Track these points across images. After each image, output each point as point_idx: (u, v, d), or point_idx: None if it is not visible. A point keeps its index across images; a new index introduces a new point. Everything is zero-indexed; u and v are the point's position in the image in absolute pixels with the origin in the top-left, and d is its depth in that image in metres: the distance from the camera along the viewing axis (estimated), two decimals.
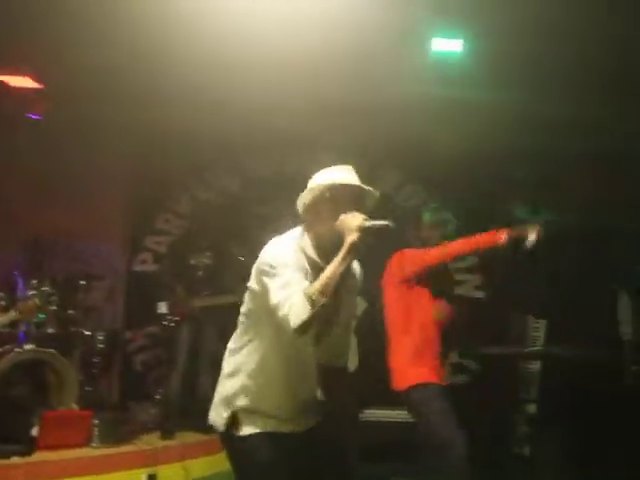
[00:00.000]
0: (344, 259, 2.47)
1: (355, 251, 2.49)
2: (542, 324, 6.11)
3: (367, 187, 2.67)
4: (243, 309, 2.77)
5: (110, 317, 6.91)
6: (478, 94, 5.11)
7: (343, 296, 2.54)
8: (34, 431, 4.83)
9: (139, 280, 7.11)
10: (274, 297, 2.49)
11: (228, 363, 2.79)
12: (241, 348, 2.74)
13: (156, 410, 5.96)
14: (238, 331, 2.78)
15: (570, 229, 6.51)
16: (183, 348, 5.89)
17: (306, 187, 2.69)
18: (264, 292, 2.57)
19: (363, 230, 2.48)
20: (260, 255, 2.66)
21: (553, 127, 5.92)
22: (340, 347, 2.81)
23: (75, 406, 5.27)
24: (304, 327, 2.42)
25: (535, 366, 6.07)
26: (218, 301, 5.81)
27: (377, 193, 2.69)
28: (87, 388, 5.85)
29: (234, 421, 2.69)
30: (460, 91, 5.01)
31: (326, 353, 2.72)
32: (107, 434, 5.14)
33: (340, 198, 2.62)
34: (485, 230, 4.07)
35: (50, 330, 5.76)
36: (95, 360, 6.13)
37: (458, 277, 6.82)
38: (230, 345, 2.81)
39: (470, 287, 6.90)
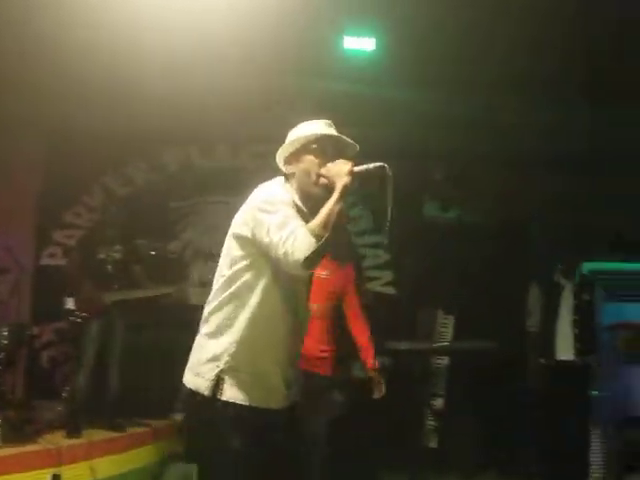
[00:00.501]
0: (338, 201, 2.48)
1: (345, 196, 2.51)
2: (450, 319, 6.25)
3: (349, 140, 2.72)
4: (224, 261, 2.66)
5: (16, 312, 6.70)
6: (389, 92, 5.17)
7: None
8: None
9: (47, 274, 6.92)
10: (274, 234, 2.44)
11: (209, 323, 2.64)
12: (224, 305, 2.61)
13: (62, 408, 5.80)
14: (217, 288, 2.65)
15: (479, 226, 6.69)
16: (91, 344, 5.76)
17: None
18: (258, 234, 2.52)
19: (354, 174, 2.52)
20: (252, 197, 2.64)
21: (464, 126, 6.04)
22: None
23: None
24: (310, 261, 2.39)
25: (444, 361, 6.20)
26: (129, 295, 5.71)
27: (357, 146, 2.73)
28: None
29: (218, 383, 2.55)
30: (371, 89, 5.05)
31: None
32: (11, 433, 4.98)
33: (325, 149, 2.67)
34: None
35: None
36: None
37: (370, 274, 6.91)
38: (209, 306, 2.67)
39: (381, 283, 6.99)
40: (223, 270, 2.64)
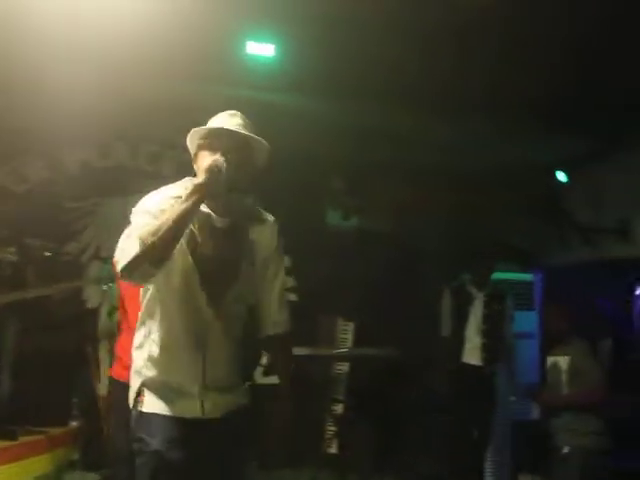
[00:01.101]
0: (185, 200, 2.36)
1: (201, 193, 2.38)
2: (350, 326, 6.31)
3: (247, 132, 2.56)
4: None
5: None
6: (290, 99, 5.17)
7: (241, 264, 2.57)
8: None
9: None
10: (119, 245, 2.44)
11: (137, 336, 2.62)
12: (143, 318, 2.59)
13: None
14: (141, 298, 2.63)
15: (379, 234, 6.79)
16: None
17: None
18: None
19: (211, 171, 2.39)
20: None
21: (363, 135, 6.10)
22: (234, 322, 2.64)
23: None
24: (129, 268, 2.32)
25: (344, 367, 6.25)
26: (20, 296, 5.51)
27: (264, 142, 2.58)
28: None
29: (138, 394, 2.55)
30: (272, 96, 5.04)
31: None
32: None
33: (217, 145, 2.52)
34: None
35: None
36: None
37: None
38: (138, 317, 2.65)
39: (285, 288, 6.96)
40: None
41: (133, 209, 2.52)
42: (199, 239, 2.53)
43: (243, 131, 2.54)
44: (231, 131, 2.53)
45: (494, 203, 6.65)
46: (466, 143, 6.22)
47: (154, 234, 2.30)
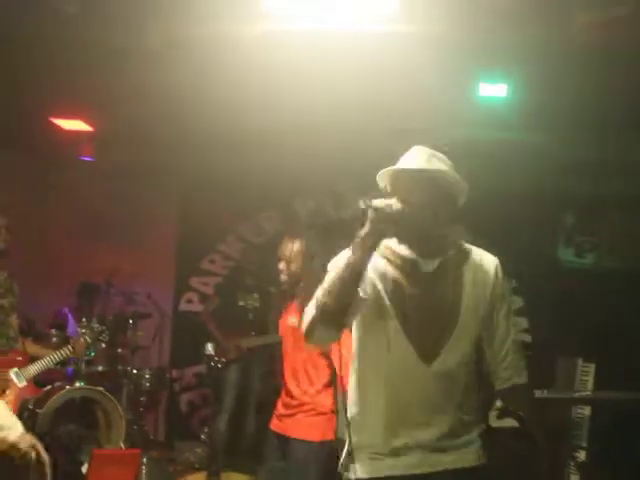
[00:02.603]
0: (355, 250, 2.16)
1: (364, 243, 2.15)
2: (592, 367, 6.01)
3: (429, 168, 2.30)
4: None
5: (157, 356, 7.00)
6: (524, 137, 5.15)
7: (459, 309, 2.30)
8: (84, 469, 4.89)
9: (185, 319, 7.20)
10: None
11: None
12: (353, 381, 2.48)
13: (202, 450, 5.98)
14: None
15: (614, 270, 6.45)
16: (230, 388, 5.93)
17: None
18: None
19: (365, 213, 2.15)
20: None
21: (597, 170, 5.92)
22: (453, 380, 2.35)
23: (122, 445, 5.32)
24: (307, 332, 2.23)
25: (585, 411, 5.95)
26: (264, 341, 5.85)
27: (451, 177, 2.32)
28: (134, 427, 5.92)
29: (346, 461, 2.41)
30: (506, 134, 5.05)
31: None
32: (154, 473, 5.19)
33: (398, 187, 2.33)
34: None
35: (99, 368, 5.88)
36: (142, 399, 6.20)
37: None
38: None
39: (517, 330, 6.81)
40: None
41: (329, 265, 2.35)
42: (405, 290, 2.32)
43: (425, 166, 2.31)
44: (407, 170, 2.33)
45: None
46: None
47: (326, 293, 2.17)
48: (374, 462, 2.36)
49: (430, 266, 2.34)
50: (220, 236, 7.47)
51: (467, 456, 2.37)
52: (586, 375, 5.97)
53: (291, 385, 4.03)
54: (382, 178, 2.38)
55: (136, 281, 6.94)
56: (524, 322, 6.81)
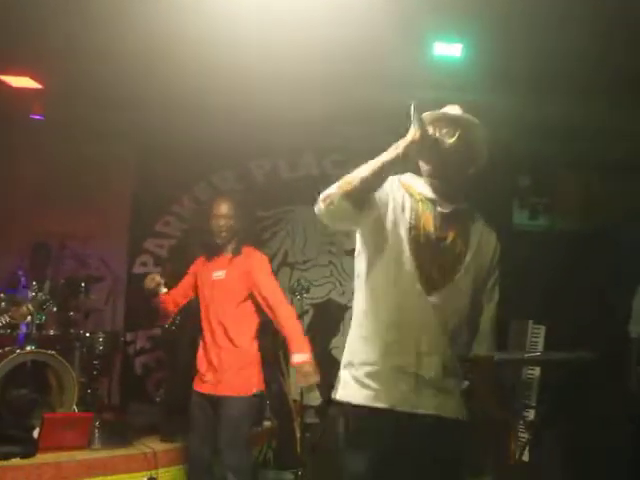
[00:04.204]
0: (390, 152, 2.33)
1: (407, 153, 2.30)
2: (542, 329, 6.10)
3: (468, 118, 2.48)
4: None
5: (110, 319, 6.92)
6: (478, 98, 5.13)
7: (465, 257, 2.45)
8: (35, 433, 4.83)
9: (139, 282, 7.11)
10: None
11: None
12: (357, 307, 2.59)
13: (156, 412, 5.96)
14: None
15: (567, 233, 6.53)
16: (183, 350, 5.89)
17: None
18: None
19: (423, 132, 2.28)
20: None
21: (550, 132, 5.95)
22: (452, 317, 2.47)
23: (75, 408, 5.27)
24: (329, 204, 2.33)
25: (535, 372, 6.06)
26: None
27: (483, 135, 2.52)
28: (87, 390, 5.86)
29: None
30: (460, 95, 5.03)
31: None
32: (108, 436, 5.15)
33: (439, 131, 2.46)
34: None
35: (51, 332, 5.79)
36: (95, 362, 6.13)
37: None
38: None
39: None
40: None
41: None
42: (420, 223, 2.46)
43: (465, 115, 2.48)
44: (449, 115, 2.46)
45: None
46: None
47: (354, 176, 2.32)
48: (363, 389, 2.44)
49: (446, 209, 2.48)
50: (175, 197, 7.38)
51: (449, 404, 2.46)
52: (537, 337, 6.08)
53: (219, 340, 4.16)
54: (422, 121, 2.39)
55: (90, 243, 6.81)
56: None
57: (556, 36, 4.64)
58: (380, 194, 2.42)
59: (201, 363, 4.27)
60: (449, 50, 4.68)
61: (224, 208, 4.27)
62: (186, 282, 4.52)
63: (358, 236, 2.55)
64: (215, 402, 4.14)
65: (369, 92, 5.32)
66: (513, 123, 5.75)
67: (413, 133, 2.29)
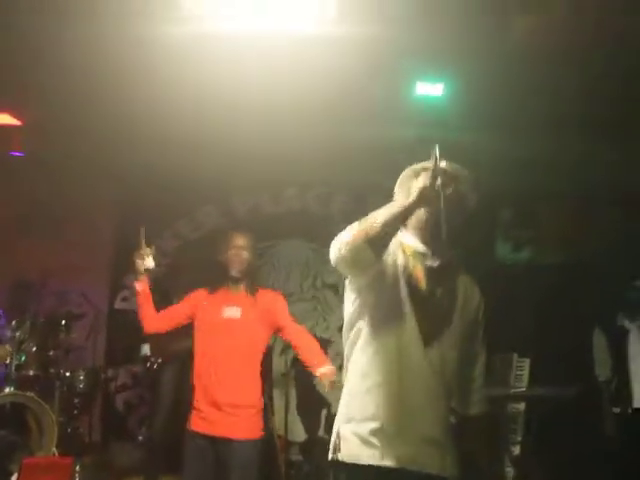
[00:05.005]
0: (409, 196, 2.34)
1: (422, 198, 2.28)
2: (526, 362, 6.11)
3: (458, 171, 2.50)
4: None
5: (91, 356, 6.82)
6: (460, 135, 5.18)
7: (455, 308, 2.47)
8: (13, 478, 4.75)
9: (121, 318, 7.05)
10: None
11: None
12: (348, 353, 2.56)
13: (139, 452, 5.87)
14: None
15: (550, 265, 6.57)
16: (166, 389, 5.83)
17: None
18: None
19: (432, 182, 2.25)
20: None
21: (530, 168, 6.01)
22: (446, 370, 2.46)
23: (55, 450, 5.19)
24: (352, 246, 2.28)
25: (520, 406, 6.05)
26: None
27: (474, 186, 2.55)
28: (68, 430, 5.77)
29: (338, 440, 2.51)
30: (442, 133, 5.07)
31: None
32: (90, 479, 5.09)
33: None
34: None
35: (30, 372, 5.70)
36: (76, 400, 6.05)
37: None
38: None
39: None
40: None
41: None
42: (415, 276, 2.47)
43: (459, 168, 2.50)
44: (445, 167, 2.40)
45: None
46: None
47: (374, 220, 2.29)
48: (368, 448, 2.38)
49: (435, 262, 2.49)
50: (157, 232, 7.32)
51: (450, 460, 2.44)
52: (521, 369, 6.08)
53: (224, 382, 3.97)
54: (412, 170, 2.51)
55: (71, 279, 6.75)
56: None
57: (533, 74, 4.71)
58: None
59: (201, 401, 4.01)
60: (431, 89, 4.70)
61: (243, 240, 4.14)
62: (179, 308, 4.29)
63: (353, 286, 2.51)
64: (221, 444, 3.92)
65: (353, 129, 5.34)
66: (494, 158, 5.78)
67: (432, 177, 2.26)
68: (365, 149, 5.48)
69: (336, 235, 2.38)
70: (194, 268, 6.39)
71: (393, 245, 2.46)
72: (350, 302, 2.53)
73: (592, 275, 6.59)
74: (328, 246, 2.40)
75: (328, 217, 7.04)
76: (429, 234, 2.48)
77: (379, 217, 2.30)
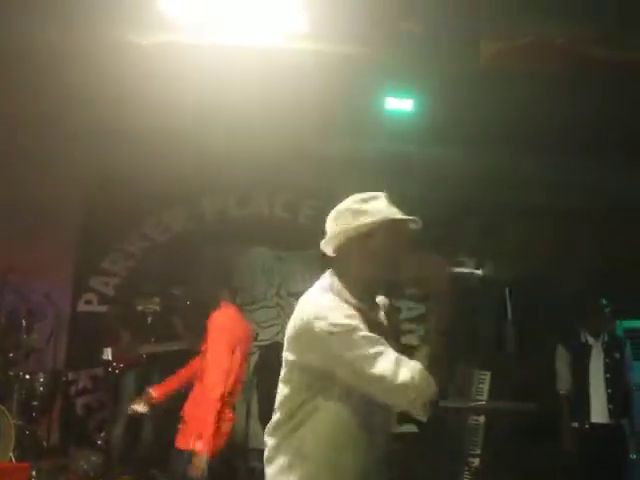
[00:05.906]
0: (442, 319, 2.17)
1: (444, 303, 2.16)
2: (487, 376, 6.17)
3: (414, 219, 2.28)
4: (286, 391, 2.30)
5: (52, 358, 6.74)
6: (426, 149, 5.26)
7: None
8: None
9: (83, 320, 6.98)
10: (374, 368, 2.08)
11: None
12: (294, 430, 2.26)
13: (97, 457, 5.81)
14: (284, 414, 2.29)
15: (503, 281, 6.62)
16: (127, 394, 5.79)
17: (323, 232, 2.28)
18: (326, 361, 2.16)
19: (454, 278, 2.17)
20: (305, 319, 2.20)
21: (497, 182, 6.09)
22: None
23: (12, 455, 5.12)
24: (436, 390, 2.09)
25: (480, 419, 6.11)
26: (165, 348, 5.73)
27: (420, 224, 2.30)
28: (26, 433, 5.69)
29: None
30: (410, 146, 5.14)
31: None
32: None
33: (399, 236, 2.26)
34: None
35: None
36: (35, 403, 5.97)
37: (404, 327, 6.83)
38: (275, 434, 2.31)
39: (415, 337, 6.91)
40: (284, 399, 2.33)
41: (330, 327, 2.13)
42: None
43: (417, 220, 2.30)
44: (415, 224, 2.29)
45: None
46: (602, 184, 6.13)
47: (436, 357, 2.12)
48: None
49: (381, 318, 2.38)
50: (123, 234, 7.26)
51: None
52: (482, 383, 6.15)
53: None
54: (386, 223, 2.26)
55: (33, 278, 6.66)
56: (422, 330, 6.88)
57: (501, 90, 4.78)
58: None
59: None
60: (400, 105, 4.75)
61: None
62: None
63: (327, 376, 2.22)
64: None
65: (323, 141, 5.38)
66: (459, 173, 5.86)
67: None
68: (335, 159, 5.51)
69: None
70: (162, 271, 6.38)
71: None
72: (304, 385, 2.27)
73: (555, 290, 6.69)
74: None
75: (295, 223, 7.03)
76: (376, 291, 2.39)
77: (442, 363, 2.13)
